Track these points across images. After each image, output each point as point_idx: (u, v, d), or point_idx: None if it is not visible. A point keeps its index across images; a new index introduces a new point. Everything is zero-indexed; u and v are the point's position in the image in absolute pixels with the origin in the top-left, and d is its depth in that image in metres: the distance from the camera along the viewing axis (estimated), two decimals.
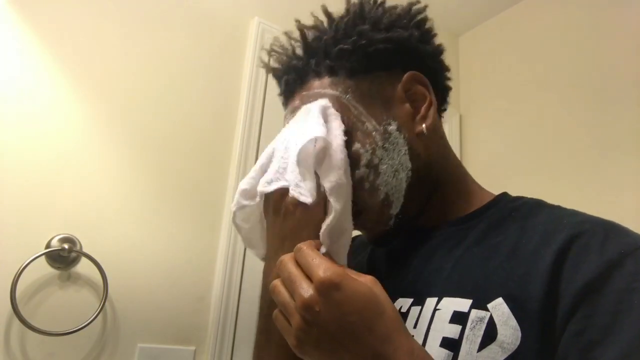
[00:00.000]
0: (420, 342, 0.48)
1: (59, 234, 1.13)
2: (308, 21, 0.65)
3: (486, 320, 0.44)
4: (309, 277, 0.42)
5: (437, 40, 0.62)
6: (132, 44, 1.32)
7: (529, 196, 0.58)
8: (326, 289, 0.40)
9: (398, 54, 0.58)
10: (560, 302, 0.42)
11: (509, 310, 0.44)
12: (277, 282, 0.45)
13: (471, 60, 2.09)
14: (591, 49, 1.67)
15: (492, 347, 0.43)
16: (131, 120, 1.29)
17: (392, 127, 0.55)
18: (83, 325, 1.09)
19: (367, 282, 0.43)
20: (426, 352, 0.43)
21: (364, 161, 0.53)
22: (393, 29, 0.57)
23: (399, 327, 0.42)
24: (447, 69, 0.64)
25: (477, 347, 0.43)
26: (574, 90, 1.69)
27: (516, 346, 0.42)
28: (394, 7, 0.60)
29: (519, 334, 0.42)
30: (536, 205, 0.55)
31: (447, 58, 0.64)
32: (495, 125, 1.91)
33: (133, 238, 1.23)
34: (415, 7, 0.60)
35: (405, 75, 0.57)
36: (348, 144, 0.53)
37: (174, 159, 1.34)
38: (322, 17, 0.64)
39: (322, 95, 0.56)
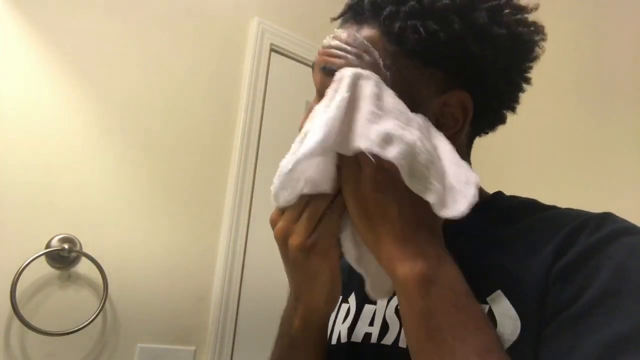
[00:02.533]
0: None
1: (59, 234, 1.13)
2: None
3: (485, 313, 0.44)
4: None
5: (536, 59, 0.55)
6: (132, 44, 1.32)
7: (526, 196, 0.58)
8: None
9: (467, 65, 0.51)
10: (550, 284, 0.43)
11: (508, 302, 0.44)
12: None
13: None
14: (591, 48, 1.67)
15: None
16: (131, 120, 1.29)
17: None
18: (83, 325, 1.09)
19: None
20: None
21: None
22: (496, 30, 0.50)
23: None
24: (520, 90, 0.58)
25: None
26: (573, 89, 1.69)
27: (516, 336, 0.42)
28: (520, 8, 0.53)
29: (519, 323, 0.43)
30: (531, 205, 0.55)
31: None
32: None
33: (133, 238, 1.23)
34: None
35: (457, 94, 0.51)
36: None
37: (174, 159, 1.34)
38: None
39: (369, 52, 0.50)
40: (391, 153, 0.40)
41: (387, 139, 0.41)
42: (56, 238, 1.12)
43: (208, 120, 1.42)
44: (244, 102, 1.48)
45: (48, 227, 1.12)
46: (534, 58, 0.55)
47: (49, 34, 1.19)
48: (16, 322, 1.04)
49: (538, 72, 0.61)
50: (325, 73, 0.52)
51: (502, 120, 0.61)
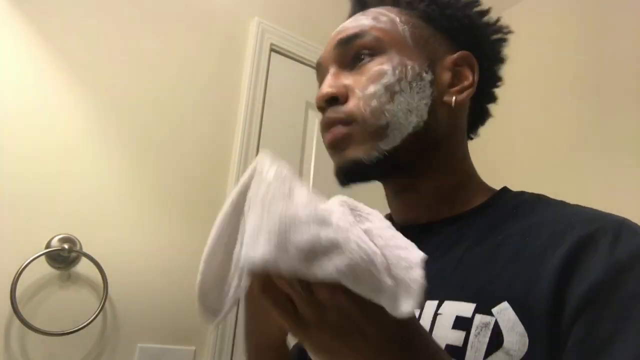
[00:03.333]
0: None
1: (59, 234, 1.13)
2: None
3: (491, 326, 0.42)
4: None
5: (504, 33, 0.62)
6: (132, 44, 1.32)
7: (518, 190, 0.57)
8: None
9: (467, 29, 0.59)
10: (567, 305, 0.40)
11: (515, 315, 0.42)
12: None
13: None
14: (591, 48, 1.67)
15: (499, 355, 0.41)
16: (131, 120, 1.29)
17: (427, 77, 0.55)
18: (83, 325, 1.09)
19: None
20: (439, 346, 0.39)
21: (384, 80, 0.52)
22: (472, 7, 0.60)
23: (417, 322, 0.38)
24: (502, 61, 0.63)
25: (482, 354, 0.42)
26: (574, 89, 1.69)
27: (523, 353, 0.40)
28: None
29: (527, 340, 0.41)
30: (539, 201, 0.53)
31: None
32: (494, 124, 1.90)
33: (133, 238, 1.23)
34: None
35: (461, 53, 0.57)
36: (376, 60, 0.54)
37: (174, 159, 1.34)
38: None
39: (384, 15, 0.57)
40: (326, 270, 0.29)
41: (312, 252, 0.29)
42: (56, 238, 1.12)
43: (208, 120, 1.42)
44: (244, 102, 1.48)
45: (48, 227, 1.12)
46: (504, 45, 0.62)
47: (49, 34, 1.19)
48: (16, 322, 1.04)
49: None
50: (341, 44, 0.56)
51: (493, 98, 0.65)
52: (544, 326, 0.40)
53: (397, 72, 0.53)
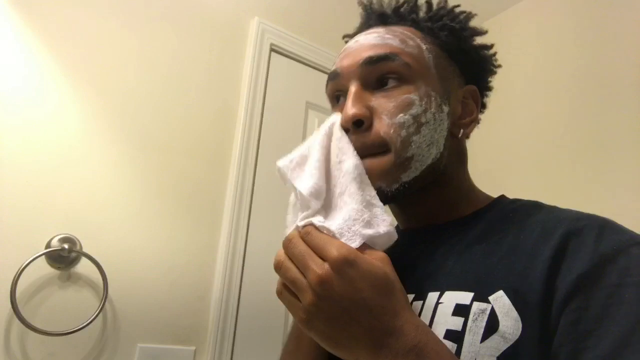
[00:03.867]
0: None
1: (59, 234, 1.13)
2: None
3: (488, 312, 0.45)
4: (320, 255, 0.43)
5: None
6: (132, 44, 1.32)
7: (527, 196, 0.60)
8: (341, 265, 0.41)
9: (475, 63, 0.62)
10: (556, 293, 0.43)
11: (509, 302, 0.45)
12: (283, 259, 0.45)
13: None
14: (591, 48, 1.67)
15: (495, 338, 0.44)
16: (131, 120, 1.29)
17: (445, 108, 0.56)
18: (83, 325, 1.09)
19: (379, 259, 0.44)
20: (428, 327, 0.45)
21: (412, 111, 0.53)
22: (478, 41, 0.62)
23: (406, 304, 0.44)
24: (490, 90, 0.67)
25: (480, 338, 0.45)
26: (574, 89, 1.69)
27: (517, 336, 0.43)
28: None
29: (520, 324, 0.44)
30: (533, 207, 0.56)
31: None
32: (495, 124, 1.90)
33: (133, 238, 1.23)
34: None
35: (470, 87, 0.61)
36: (404, 88, 0.54)
37: (174, 159, 1.34)
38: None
39: (411, 38, 0.57)
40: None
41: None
42: (56, 238, 1.12)
43: (208, 120, 1.42)
44: (244, 102, 1.48)
45: (48, 227, 1.12)
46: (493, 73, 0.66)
47: (50, 34, 1.19)
48: (16, 322, 1.04)
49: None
50: (369, 63, 0.55)
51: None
52: (536, 312, 0.44)
53: (423, 102, 0.54)
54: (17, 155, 1.12)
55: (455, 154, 0.60)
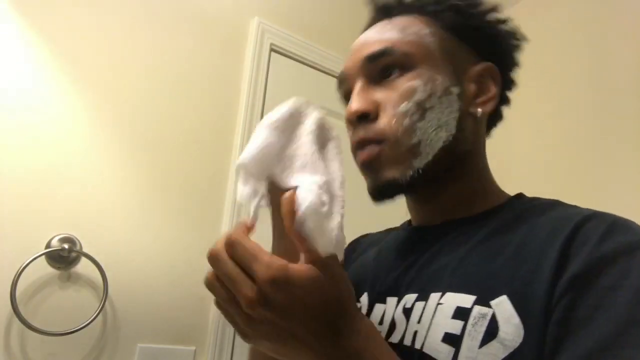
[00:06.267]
0: (423, 336, 0.48)
1: (59, 234, 1.13)
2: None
3: (488, 317, 0.44)
4: (249, 274, 0.39)
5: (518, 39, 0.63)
6: (132, 44, 1.32)
7: (532, 196, 0.58)
8: (270, 288, 0.37)
9: (489, 40, 0.60)
10: (554, 296, 0.42)
11: (512, 307, 0.44)
12: (212, 278, 0.42)
13: None
14: (592, 48, 1.67)
15: (493, 344, 0.43)
16: (131, 120, 1.29)
17: (455, 90, 0.55)
18: (83, 325, 1.09)
19: (310, 273, 0.38)
20: (374, 330, 0.43)
21: (416, 97, 0.53)
22: (492, 16, 0.60)
23: (347, 310, 0.41)
24: (517, 65, 0.64)
25: (478, 343, 0.43)
26: (575, 89, 1.69)
27: (518, 344, 0.42)
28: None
29: (522, 332, 0.42)
30: (550, 205, 0.54)
31: None
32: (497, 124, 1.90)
33: (133, 238, 1.23)
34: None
35: (485, 65, 0.58)
36: (407, 76, 0.54)
37: (174, 159, 1.34)
38: None
39: (410, 26, 0.57)
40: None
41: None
42: (56, 238, 1.12)
43: (208, 120, 1.42)
44: (244, 102, 1.48)
45: (48, 227, 1.12)
46: (518, 48, 0.63)
47: (50, 33, 1.19)
48: (16, 322, 1.04)
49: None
50: (369, 60, 0.56)
51: (508, 101, 0.65)
52: (540, 319, 0.42)
53: (427, 87, 0.54)
54: (17, 156, 1.11)
55: (473, 134, 0.58)
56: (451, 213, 0.58)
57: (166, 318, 1.25)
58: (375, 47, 0.56)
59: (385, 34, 0.56)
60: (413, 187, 0.55)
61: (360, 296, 0.60)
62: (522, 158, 1.77)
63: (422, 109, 0.53)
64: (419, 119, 0.53)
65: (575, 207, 0.52)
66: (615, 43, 1.61)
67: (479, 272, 0.49)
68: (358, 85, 0.56)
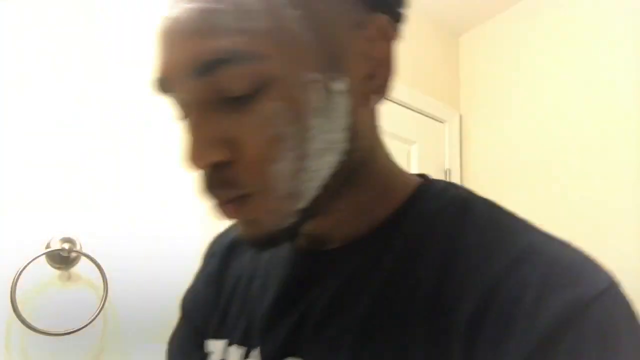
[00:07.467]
0: None
1: (59, 234, 1.13)
2: None
3: None
4: None
5: None
6: (132, 44, 1.32)
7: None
8: None
9: None
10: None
11: None
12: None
13: (471, 60, 2.09)
14: (592, 48, 1.67)
15: None
16: (132, 120, 1.29)
17: (339, 86, 0.36)
18: (83, 325, 1.09)
19: None
20: None
21: (280, 128, 0.35)
22: None
23: None
24: (401, 16, 0.42)
25: None
26: (575, 89, 1.69)
27: None
28: None
29: None
30: (463, 212, 0.40)
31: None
32: (496, 125, 1.90)
33: (133, 238, 1.23)
34: None
35: (379, 21, 0.38)
36: (263, 94, 0.34)
37: (174, 160, 1.34)
38: None
39: None
40: None
41: None
42: (56, 238, 1.12)
43: None
44: None
45: (48, 227, 1.12)
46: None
47: (50, 33, 1.19)
48: (16, 322, 1.04)
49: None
50: (197, 73, 0.35)
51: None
52: None
53: (296, 103, 0.35)
54: (17, 155, 1.11)
55: (369, 131, 0.42)
56: (336, 233, 0.45)
57: (166, 318, 1.25)
58: (203, 49, 0.34)
59: (215, 17, 0.33)
60: (301, 226, 0.40)
61: (228, 336, 0.50)
62: (521, 158, 1.77)
63: (293, 139, 0.35)
64: (299, 160, 0.36)
65: (491, 218, 0.39)
66: (615, 43, 1.61)
67: (382, 350, 0.37)
68: (194, 116, 0.36)
